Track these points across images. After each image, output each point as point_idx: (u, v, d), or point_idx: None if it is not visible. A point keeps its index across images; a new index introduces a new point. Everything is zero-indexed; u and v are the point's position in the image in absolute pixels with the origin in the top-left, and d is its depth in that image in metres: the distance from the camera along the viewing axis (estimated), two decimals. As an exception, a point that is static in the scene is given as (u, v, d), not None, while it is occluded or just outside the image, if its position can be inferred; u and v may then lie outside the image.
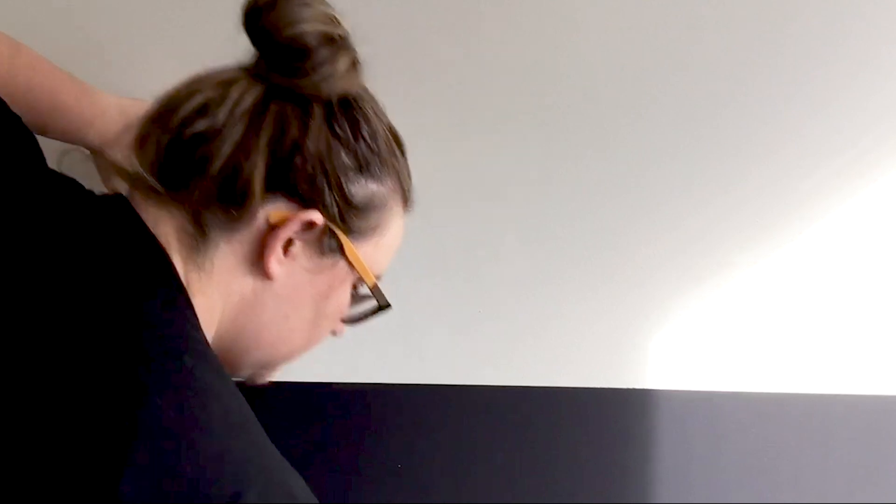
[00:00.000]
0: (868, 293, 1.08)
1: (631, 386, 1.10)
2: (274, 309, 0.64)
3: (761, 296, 1.08)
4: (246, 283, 0.63)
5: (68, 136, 0.80)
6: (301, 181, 0.61)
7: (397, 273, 1.11)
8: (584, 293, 1.09)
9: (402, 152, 0.71)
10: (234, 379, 0.63)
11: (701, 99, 1.05)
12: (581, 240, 1.08)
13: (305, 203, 0.62)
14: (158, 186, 0.61)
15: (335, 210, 0.63)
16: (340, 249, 0.64)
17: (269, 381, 0.74)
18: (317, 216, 0.62)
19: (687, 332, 1.09)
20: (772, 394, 1.10)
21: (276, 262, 0.62)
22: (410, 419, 1.11)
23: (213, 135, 0.60)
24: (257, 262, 0.62)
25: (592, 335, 1.09)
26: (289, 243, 0.62)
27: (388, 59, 1.05)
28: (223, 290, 0.62)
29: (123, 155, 0.63)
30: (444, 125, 1.06)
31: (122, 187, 0.64)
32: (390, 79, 1.06)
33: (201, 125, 0.60)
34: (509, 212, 1.07)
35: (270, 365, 0.70)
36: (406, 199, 0.72)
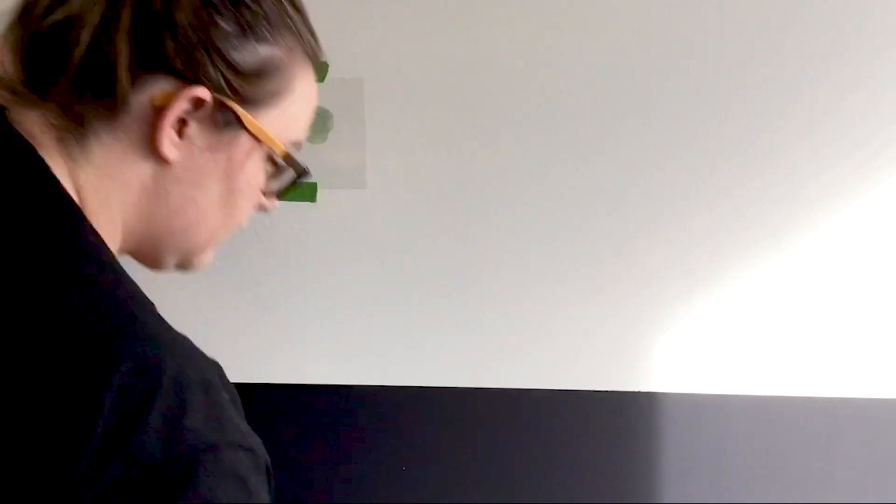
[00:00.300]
0: (874, 297, 1.08)
1: (636, 389, 1.10)
2: (179, 194, 0.62)
3: (767, 299, 1.08)
4: (143, 172, 0.61)
5: None
6: (176, 57, 0.58)
7: (399, 274, 1.12)
8: (589, 295, 1.09)
9: (297, 8, 0.65)
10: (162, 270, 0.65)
11: (708, 102, 1.05)
12: (586, 242, 1.08)
13: (187, 80, 0.59)
14: (23, 89, 0.59)
15: (222, 81, 0.59)
16: (238, 122, 0.61)
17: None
18: (202, 91, 0.58)
19: (692, 336, 1.09)
20: (777, 397, 1.09)
21: (170, 145, 0.60)
22: (412, 421, 1.11)
23: (72, 22, 0.57)
24: (150, 148, 0.60)
25: (597, 338, 1.09)
26: (183, 124, 0.60)
27: (388, 61, 1.06)
28: (118, 183, 0.60)
29: None
30: (448, 126, 1.07)
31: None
32: (393, 81, 1.07)
33: (59, 14, 0.57)
34: (514, 213, 1.08)
35: (195, 250, 0.67)
36: (311, 56, 0.66)
